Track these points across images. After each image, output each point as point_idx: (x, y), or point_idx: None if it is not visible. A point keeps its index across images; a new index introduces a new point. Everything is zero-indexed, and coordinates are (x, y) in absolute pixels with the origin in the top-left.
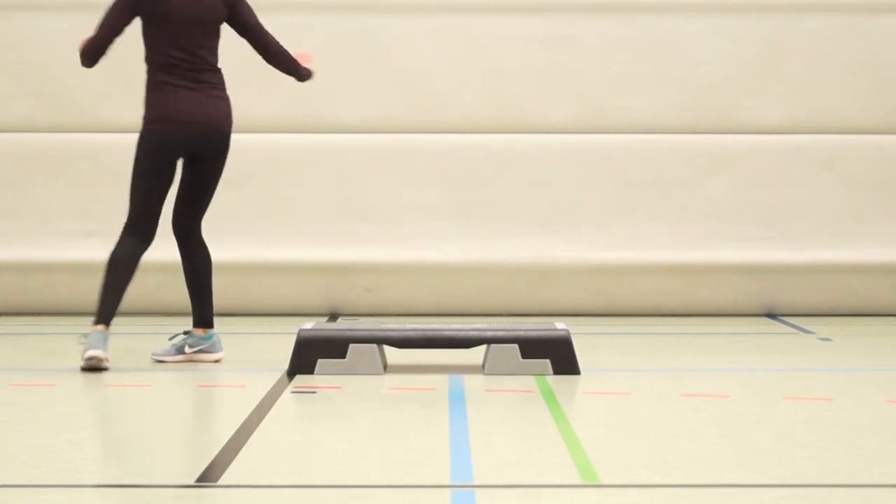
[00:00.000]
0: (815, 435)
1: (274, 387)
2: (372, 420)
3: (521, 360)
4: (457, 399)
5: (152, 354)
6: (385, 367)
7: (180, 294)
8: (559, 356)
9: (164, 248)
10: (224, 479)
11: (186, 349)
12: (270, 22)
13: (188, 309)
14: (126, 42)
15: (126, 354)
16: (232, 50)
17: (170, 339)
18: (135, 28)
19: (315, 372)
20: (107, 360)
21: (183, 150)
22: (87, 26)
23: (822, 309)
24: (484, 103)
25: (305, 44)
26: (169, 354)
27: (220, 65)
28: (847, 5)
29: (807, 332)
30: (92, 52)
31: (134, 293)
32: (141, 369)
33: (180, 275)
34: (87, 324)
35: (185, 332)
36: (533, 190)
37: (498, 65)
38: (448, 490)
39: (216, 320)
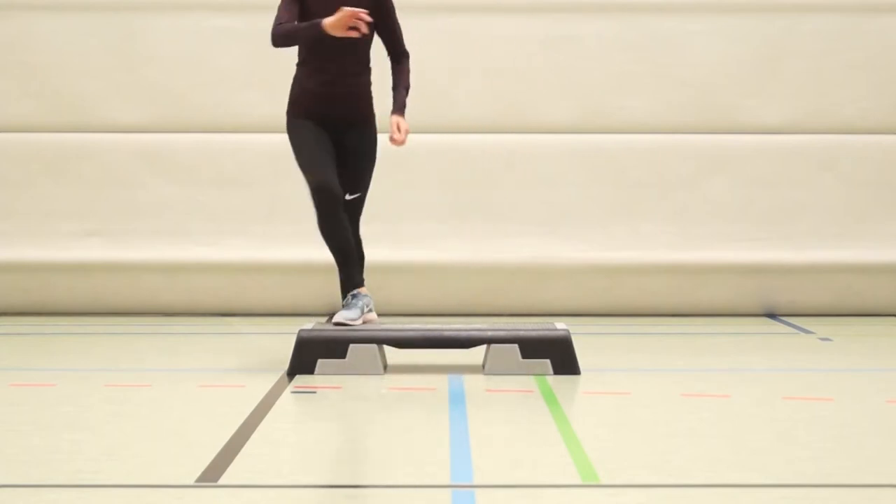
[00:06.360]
0: (815, 435)
1: (274, 387)
2: (372, 420)
3: (521, 360)
4: (457, 399)
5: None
6: (385, 367)
7: (180, 294)
8: (559, 356)
9: (161, 249)
10: (224, 479)
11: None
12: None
13: (187, 309)
14: (124, 42)
15: (126, 354)
16: (231, 50)
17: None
18: (130, 26)
19: (315, 372)
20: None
21: None
22: (88, 26)
23: (822, 309)
24: (484, 103)
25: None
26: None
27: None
28: (847, 5)
29: (807, 332)
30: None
31: (133, 293)
32: (141, 369)
33: (179, 275)
34: (86, 323)
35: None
36: (533, 190)
37: (498, 65)
38: (448, 490)
39: (217, 320)
